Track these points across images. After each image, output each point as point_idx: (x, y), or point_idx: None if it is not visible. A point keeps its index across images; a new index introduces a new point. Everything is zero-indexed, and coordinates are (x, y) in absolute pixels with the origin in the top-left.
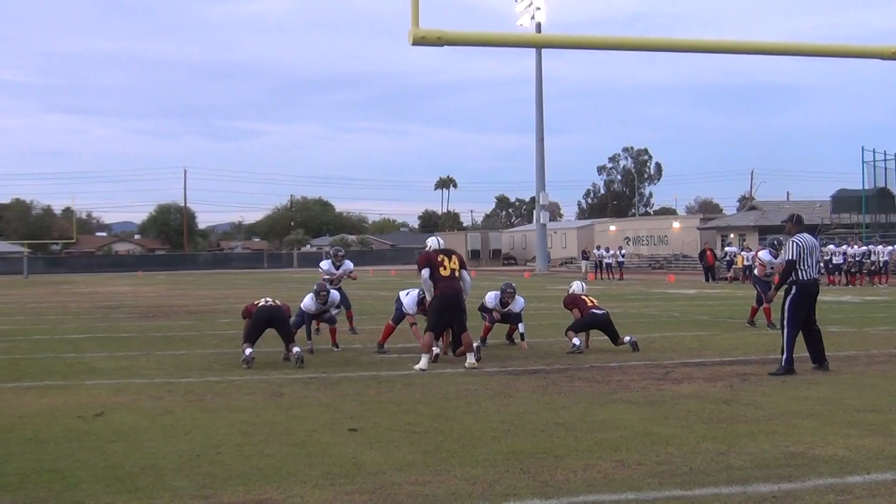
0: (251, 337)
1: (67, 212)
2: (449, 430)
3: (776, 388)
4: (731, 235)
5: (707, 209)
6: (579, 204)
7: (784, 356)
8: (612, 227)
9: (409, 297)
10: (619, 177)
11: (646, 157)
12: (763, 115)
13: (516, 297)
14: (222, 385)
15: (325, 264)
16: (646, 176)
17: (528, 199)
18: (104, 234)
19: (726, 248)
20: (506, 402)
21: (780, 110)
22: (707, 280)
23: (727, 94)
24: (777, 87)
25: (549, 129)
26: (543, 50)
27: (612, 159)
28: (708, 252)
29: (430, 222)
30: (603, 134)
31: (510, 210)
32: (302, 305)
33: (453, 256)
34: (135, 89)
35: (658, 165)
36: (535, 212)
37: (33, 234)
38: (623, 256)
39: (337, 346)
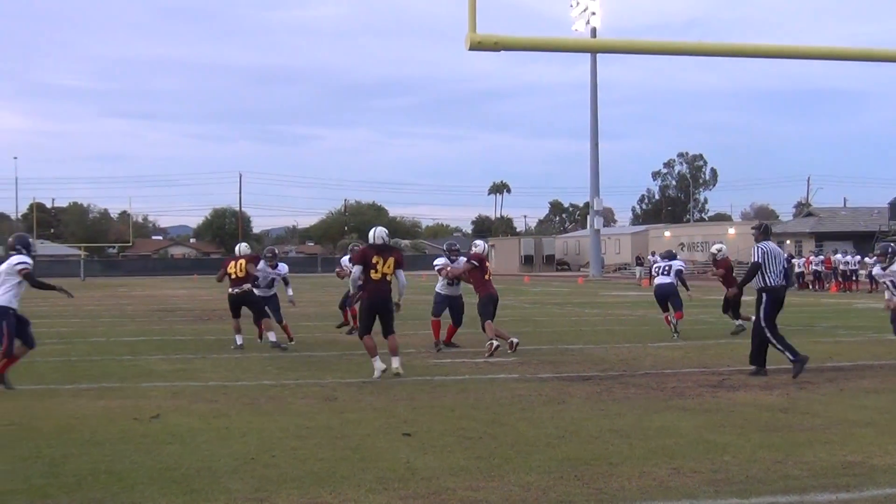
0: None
1: (124, 215)
2: (503, 435)
3: (833, 397)
4: (787, 242)
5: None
6: (634, 209)
7: (789, 356)
8: (667, 233)
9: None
10: (673, 182)
11: (701, 163)
12: (820, 121)
13: (460, 257)
14: (276, 388)
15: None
16: (701, 181)
17: (582, 205)
18: (160, 237)
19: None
20: (560, 408)
21: (838, 115)
22: None
23: (784, 99)
24: (835, 92)
25: (604, 134)
26: (598, 55)
27: (667, 165)
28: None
29: (484, 227)
30: (658, 139)
31: (564, 215)
32: (255, 271)
33: (390, 258)
34: (191, 94)
35: (713, 171)
36: (589, 217)
37: (90, 238)
38: None
39: (261, 339)
